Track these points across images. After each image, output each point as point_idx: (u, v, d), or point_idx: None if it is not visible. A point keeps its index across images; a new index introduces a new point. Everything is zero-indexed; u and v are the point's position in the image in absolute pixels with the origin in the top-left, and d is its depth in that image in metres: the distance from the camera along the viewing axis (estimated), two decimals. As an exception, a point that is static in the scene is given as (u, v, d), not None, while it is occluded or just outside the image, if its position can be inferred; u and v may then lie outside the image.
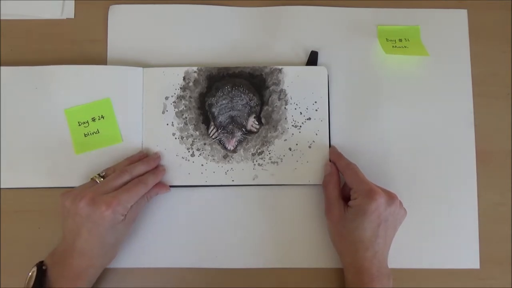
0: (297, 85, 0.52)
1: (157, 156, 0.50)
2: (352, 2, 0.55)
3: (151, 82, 0.52)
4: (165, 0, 0.55)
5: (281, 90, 0.52)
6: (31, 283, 0.41)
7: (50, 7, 0.54)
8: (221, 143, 0.51)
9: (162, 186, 0.49)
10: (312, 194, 0.51)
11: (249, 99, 0.51)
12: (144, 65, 0.52)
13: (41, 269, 0.42)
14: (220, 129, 0.51)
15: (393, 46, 0.53)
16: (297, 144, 0.51)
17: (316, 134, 0.51)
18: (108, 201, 0.42)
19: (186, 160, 0.51)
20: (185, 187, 0.51)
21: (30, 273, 0.42)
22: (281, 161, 0.51)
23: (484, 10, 0.55)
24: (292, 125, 0.51)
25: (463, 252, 0.50)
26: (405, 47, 0.53)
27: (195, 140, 0.51)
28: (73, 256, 0.43)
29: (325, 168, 0.50)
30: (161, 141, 0.51)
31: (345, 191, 0.48)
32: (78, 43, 0.54)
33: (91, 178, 0.47)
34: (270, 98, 0.52)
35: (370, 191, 0.44)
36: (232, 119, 0.51)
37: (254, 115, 0.52)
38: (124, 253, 0.49)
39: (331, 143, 0.51)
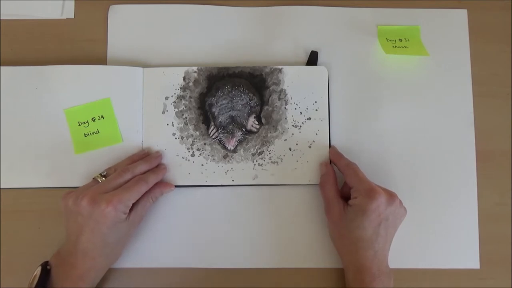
0: (297, 85, 0.52)
1: (158, 155, 0.50)
2: (352, 2, 0.55)
3: (151, 82, 0.52)
4: (165, 0, 0.55)
5: (281, 90, 0.52)
6: (35, 283, 0.41)
7: (50, 7, 0.54)
8: (221, 143, 0.51)
9: (165, 184, 0.49)
10: (312, 194, 0.51)
11: (249, 99, 0.51)
12: (144, 65, 0.52)
13: (45, 269, 0.42)
14: (220, 129, 0.51)
15: (393, 46, 0.53)
16: (297, 144, 0.51)
17: (316, 134, 0.51)
18: (109, 199, 0.42)
19: (186, 160, 0.51)
20: (185, 187, 0.51)
21: (34, 273, 0.42)
22: (281, 161, 0.51)
23: (484, 10, 0.55)
24: (292, 125, 0.51)
25: (463, 252, 0.50)
26: (405, 47, 0.53)
27: (195, 140, 0.51)
28: (77, 256, 0.43)
29: (320, 168, 0.50)
30: (161, 141, 0.51)
31: (345, 190, 0.48)
32: (78, 43, 0.54)
33: (93, 178, 0.47)
34: (270, 98, 0.52)
35: (370, 190, 0.44)
36: (232, 119, 0.51)
37: (254, 115, 0.51)
38: (123, 253, 0.49)
39: (331, 143, 0.51)
